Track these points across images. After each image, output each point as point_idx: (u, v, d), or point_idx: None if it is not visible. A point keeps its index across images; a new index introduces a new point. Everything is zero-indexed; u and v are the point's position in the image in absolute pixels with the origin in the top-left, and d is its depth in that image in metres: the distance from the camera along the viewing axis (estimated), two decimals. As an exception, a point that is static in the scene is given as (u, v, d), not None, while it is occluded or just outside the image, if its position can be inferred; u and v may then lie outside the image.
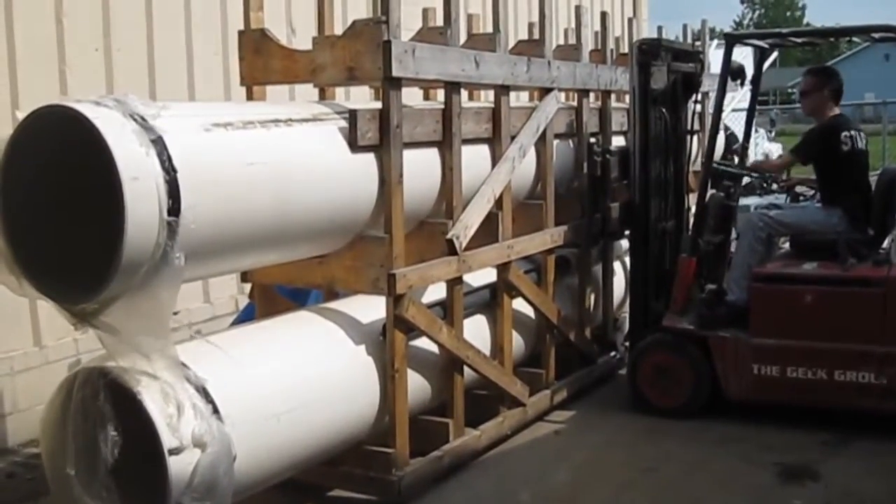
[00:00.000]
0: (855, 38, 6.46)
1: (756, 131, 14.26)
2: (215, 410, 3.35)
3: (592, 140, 6.02)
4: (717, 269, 5.82)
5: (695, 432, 5.12)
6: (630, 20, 7.19)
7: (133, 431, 3.19)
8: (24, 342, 5.00)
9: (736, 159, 6.71)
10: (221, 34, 6.13)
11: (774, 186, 7.58)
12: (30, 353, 5.02)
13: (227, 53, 6.04)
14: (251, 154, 3.59)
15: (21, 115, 3.26)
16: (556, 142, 5.58)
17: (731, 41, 5.71)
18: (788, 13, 72.97)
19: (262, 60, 4.37)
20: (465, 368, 4.67)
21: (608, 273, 6.25)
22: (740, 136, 7.37)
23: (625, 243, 6.36)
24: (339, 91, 5.13)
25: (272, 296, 4.60)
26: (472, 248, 4.65)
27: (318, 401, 3.88)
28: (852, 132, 5.43)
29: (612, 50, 6.47)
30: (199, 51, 6.05)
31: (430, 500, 4.32)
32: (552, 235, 5.48)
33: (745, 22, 73.12)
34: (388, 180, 4.11)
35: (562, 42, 6.49)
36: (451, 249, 4.50)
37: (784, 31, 6.07)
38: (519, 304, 5.23)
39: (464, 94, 4.89)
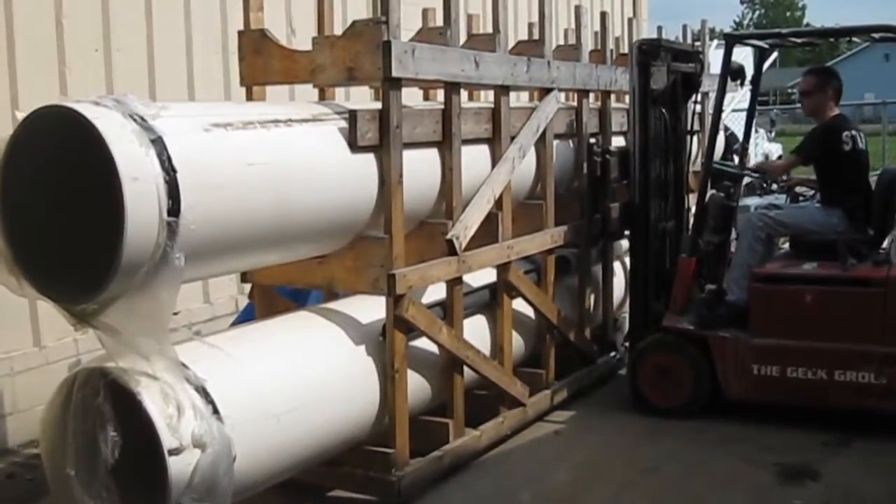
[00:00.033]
0: (855, 38, 6.45)
1: (756, 131, 14.28)
2: (215, 411, 3.35)
3: (592, 140, 6.02)
4: (717, 269, 5.81)
5: (695, 433, 5.12)
6: (630, 20, 7.19)
7: (133, 432, 3.18)
8: (24, 342, 5.00)
9: (736, 159, 6.71)
10: (221, 34, 6.12)
11: (774, 186, 7.58)
12: (30, 353, 5.02)
13: (226, 54, 6.04)
14: (251, 154, 3.59)
15: (21, 115, 3.26)
16: (555, 142, 5.58)
17: (730, 41, 5.71)
18: (788, 13, 72.96)
19: (261, 61, 4.36)
20: (465, 369, 4.67)
21: (608, 273, 6.25)
22: (740, 136, 7.37)
23: (625, 243, 6.36)
24: (339, 91, 5.13)
25: (272, 296, 4.60)
26: (471, 249, 4.65)
27: (318, 401, 3.88)
28: (853, 132, 5.44)
29: (611, 50, 6.47)
30: (199, 51, 6.05)
31: (430, 501, 4.32)
32: (552, 236, 5.48)
33: (745, 22, 73.14)
34: (388, 180, 4.11)
35: (562, 42, 6.49)
36: (451, 250, 4.50)
37: (784, 31, 6.06)
38: (519, 305, 5.23)
39: (464, 94, 4.89)
